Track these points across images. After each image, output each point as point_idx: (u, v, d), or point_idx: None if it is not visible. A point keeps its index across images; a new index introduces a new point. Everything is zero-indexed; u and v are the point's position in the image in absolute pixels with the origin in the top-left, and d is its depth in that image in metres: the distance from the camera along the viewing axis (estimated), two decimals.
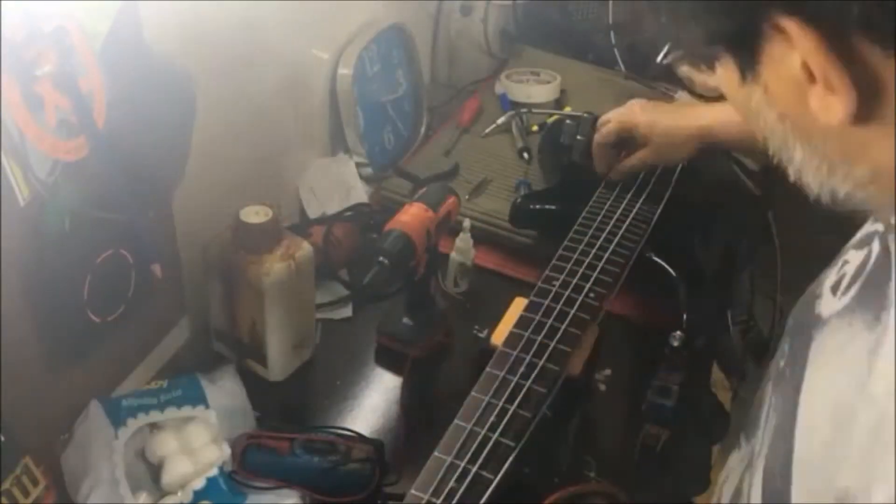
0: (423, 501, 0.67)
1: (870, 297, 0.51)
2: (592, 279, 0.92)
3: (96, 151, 0.75)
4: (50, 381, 0.80)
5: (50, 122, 0.70)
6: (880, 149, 0.44)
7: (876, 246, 0.53)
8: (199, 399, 0.88)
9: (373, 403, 0.97)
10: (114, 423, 0.83)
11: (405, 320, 1.03)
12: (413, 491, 0.68)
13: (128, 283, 0.86)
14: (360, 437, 0.87)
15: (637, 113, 1.11)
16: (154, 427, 0.86)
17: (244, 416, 0.91)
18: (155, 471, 0.84)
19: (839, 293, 0.55)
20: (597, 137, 1.14)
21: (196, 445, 0.85)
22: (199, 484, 0.81)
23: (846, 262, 0.57)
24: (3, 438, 0.71)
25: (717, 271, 1.15)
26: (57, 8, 0.68)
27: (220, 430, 0.86)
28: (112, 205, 0.79)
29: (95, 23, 0.74)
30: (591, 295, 0.91)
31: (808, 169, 0.48)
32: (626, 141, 1.12)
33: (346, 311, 1.09)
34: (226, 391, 0.91)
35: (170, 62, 0.84)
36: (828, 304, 0.56)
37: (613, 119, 1.12)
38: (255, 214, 0.91)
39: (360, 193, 1.22)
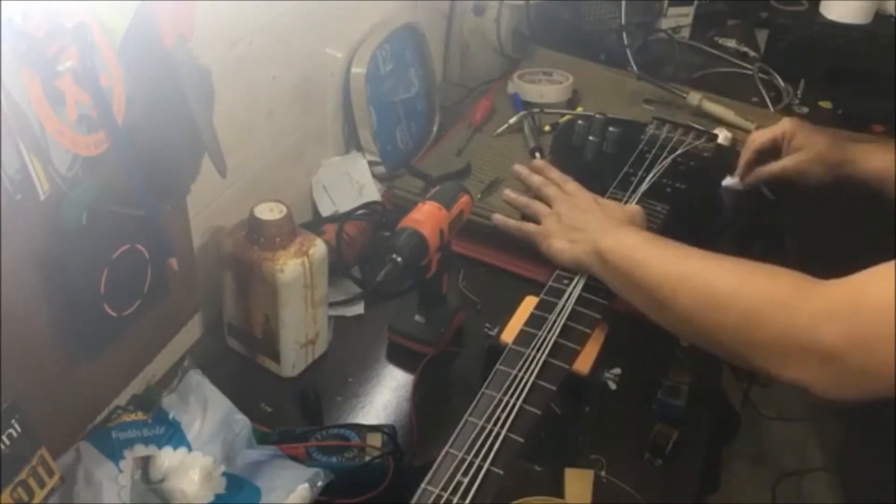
0: (434, 496, 0.68)
1: None
2: None
3: (115, 146, 0.76)
4: (66, 374, 0.81)
5: (70, 116, 0.70)
6: None
7: None
8: (180, 441, 0.85)
9: (384, 400, 0.97)
10: (112, 458, 0.82)
11: (417, 318, 1.03)
12: (425, 486, 0.69)
13: (143, 277, 0.87)
14: (371, 426, 0.88)
15: (794, 126, 1.22)
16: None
17: (226, 416, 0.88)
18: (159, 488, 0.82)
19: None
20: (748, 142, 1.26)
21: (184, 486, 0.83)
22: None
23: None
24: (19, 430, 0.72)
25: None
26: (78, 5, 0.69)
27: (208, 468, 0.84)
28: (130, 199, 0.80)
29: (115, 19, 0.74)
30: (602, 293, 0.91)
31: None
32: (772, 151, 1.23)
33: (359, 309, 1.09)
34: (201, 404, 0.88)
35: (188, 58, 0.85)
36: None
37: (769, 129, 1.25)
38: (269, 211, 0.92)
39: (373, 192, 1.23)
